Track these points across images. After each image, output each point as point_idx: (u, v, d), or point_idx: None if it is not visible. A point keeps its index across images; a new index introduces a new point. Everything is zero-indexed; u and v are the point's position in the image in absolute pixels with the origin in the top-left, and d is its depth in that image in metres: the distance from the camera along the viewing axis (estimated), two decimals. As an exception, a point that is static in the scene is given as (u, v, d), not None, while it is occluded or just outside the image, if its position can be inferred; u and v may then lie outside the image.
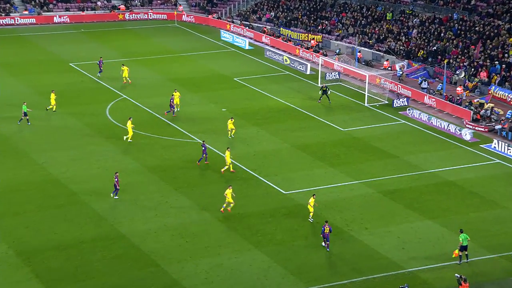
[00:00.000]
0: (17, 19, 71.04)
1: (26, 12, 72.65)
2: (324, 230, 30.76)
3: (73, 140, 42.46)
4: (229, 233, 32.18)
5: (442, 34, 58.87)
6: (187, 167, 38.39)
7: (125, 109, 48.18)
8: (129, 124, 41.45)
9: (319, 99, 49.99)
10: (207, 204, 34.67)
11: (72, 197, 35.01)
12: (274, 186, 36.90)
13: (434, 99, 50.15)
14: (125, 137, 41.63)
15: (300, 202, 35.13)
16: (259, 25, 71.31)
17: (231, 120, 42.86)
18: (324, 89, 49.69)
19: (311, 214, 33.38)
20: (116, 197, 34.89)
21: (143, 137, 42.91)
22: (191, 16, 75.07)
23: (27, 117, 43.99)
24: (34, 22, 71.73)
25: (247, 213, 34.03)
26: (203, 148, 38.42)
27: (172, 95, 45.68)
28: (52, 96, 46.04)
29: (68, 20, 72.82)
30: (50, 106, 45.87)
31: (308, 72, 57.71)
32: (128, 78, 51.31)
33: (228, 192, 33.50)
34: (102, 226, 32.45)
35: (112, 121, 45.71)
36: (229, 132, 42.44)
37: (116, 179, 34.75)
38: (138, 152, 40.87)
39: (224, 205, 33.84)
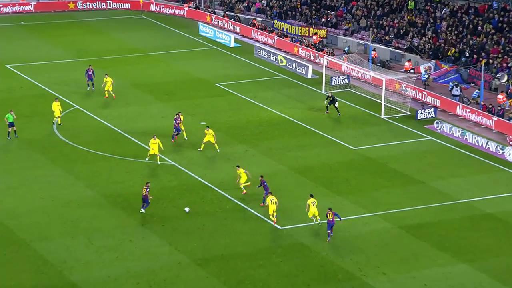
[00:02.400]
0: None
1: None
2: (327, 216, 34.44)
3: (9, 162, 42.48)
4: (210, 281, 32.23)
5: (479, 28, 59.71)
6: (156, 196, 38.54)
7: (77, 122, 48.37)
8: (153, 142, 41.95)
9: (327, 110, 50.41)
10: (182, 243, 34.78)
11: (8, 235, 34.99)
12: (267, 220, 37.09)
13: (468, 110, 50.76)
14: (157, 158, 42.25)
15: (299, 240, 35.30)
16: (247, 16, 71.97)
17: (208, 131, 43.19)
18: (331, 98, 50.16)
19: (317, 216, 35.75)
20: (143, 210, 36.75)
21: (100, 158, 43.06)
22: (162, 5, 75.69)
23: (14, 128, 44.89)
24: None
25: (233, 254, 34.12)
26: (264, 184, 37.83)
27: (177, 116, 44.91)
28: (56, 105, 46.41)
29: (4, 10, 73.14)
30: (55, 118, 46.36)
31: (309, 76, 58.23)
32: (111, 92, 51.11)
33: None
34: (47, 272, 32.42)
35: (61, 138, 45.84)
36: (202, 145, 43.00)
37: (147, 190, 36.26)
38: (94, 177, 40.98)
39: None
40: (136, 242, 34.80)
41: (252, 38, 66.87)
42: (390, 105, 51.66)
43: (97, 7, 75.66)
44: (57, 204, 37.95)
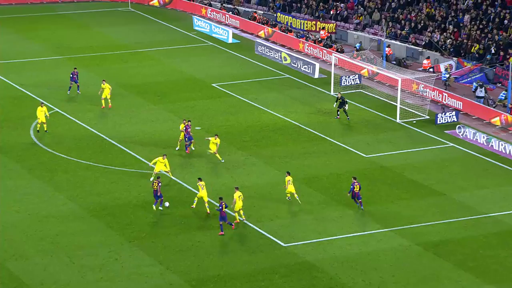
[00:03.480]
0: None
1: None
2: (354, 189, 38.25)
3: (-18, 171, 42.50)
4: (205, 304, 32.23)
5: (505, 22, 59.70)
6: (145, 209, 38.38)
7: (57, 127, 48.32)
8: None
9: (337, 114, 50.33)
10: (174, 262, 34.67)
11: (-19, 253, 34.94)
12: (270, 236, 36.97)
13: (495, 113, 50.71)
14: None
15: (306, 258, 35.21)
16: (247, 9, 72.03)
17: (215, 139, 43.39)
18: (341, 100, 50.12)
19: (295, 194, 38.44)
20: (161, 207, 38.20)
21: (83, 167, 42.94)
22: (151, -3, 75.75)
23: None
24: None
25: (231, 274, 33.97)
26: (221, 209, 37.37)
27: (186, 124, 44.55)
28: (41, 110, 45.99)
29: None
30: (38, 125, 46.12)
31: (316, 76, 58.23)
32: (109, 100, 50.26)
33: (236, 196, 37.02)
34: (23, 294, 32.37)
35: (39, 145, 45.78)
36: (216, 155, 43.15)
37: (158, 185, 37.91)
38: (76, 188, 40.91)
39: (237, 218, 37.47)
40: (122, 261, 34.67)
41: (252, 34, 66.74)
42: (406, 108, 51.62)
43: (80, -2, 75.74)
44: (34, 218, 37.79)
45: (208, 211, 38.26)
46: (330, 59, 58.44)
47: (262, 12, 70.65)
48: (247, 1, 73.32)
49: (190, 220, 38.01)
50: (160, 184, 38.38)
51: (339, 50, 61.38)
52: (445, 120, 50.38)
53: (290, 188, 39.39)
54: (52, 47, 63.13)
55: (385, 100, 53.82)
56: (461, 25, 60.90)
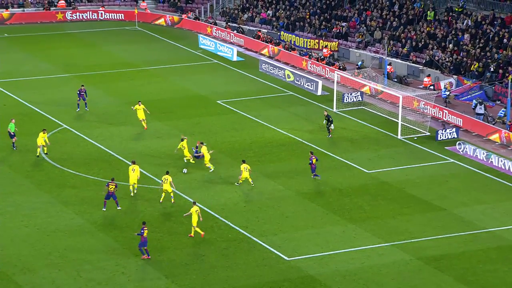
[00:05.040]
0: None
1: None
2: (312, 161, 41.91)
3: (-8, 187, 42.59)
4: (210, 317, 32.15)
5: (504, 40, 59.83)
6: (151, 224, 38.47)
7: (65, 143, 48.43)
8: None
9: (329, 133, 50.36)
10: (179, 276, 34.67)
11: (-10, 266, 35.00)
12: (273, 250, 36.99)
13: (494, 130, 50.73)
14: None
15: (309, 272, 35.19)
16: (251, 28, 72.28)
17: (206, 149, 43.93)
18: (326, 118, 50.21)
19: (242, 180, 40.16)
20: (119, 207, 39.47)
21: (90, 183, 43.01)
22: (159, 16, 76.07)
23: (13, 140, 46.41)
24: None
25: (236, 287, 34.09)
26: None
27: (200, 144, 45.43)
28: (41, 136, 45.67)
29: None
30: (38, 149, 45.75)
31: (319, 93, 58.33)
32: (145, 121, 49.85)
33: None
34: (32, 307, 32.40)
35: (47, 160, 45.89)
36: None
37: (115, 187, 39.47)
38: (83, 204, 40.94)
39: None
40: (129, 275, 34.68)
41: (256, 52, 66.98)
42: (407, 125, 51.66)
43: (88, 17, 76.08)
44: (42, 233, 37.85)
45: (173, 201, 39.67)
46: (332, 77, 58.57)
47: (266, 30, 70.91)
48: (252, 20, 73.63)
49: (195, 235, 38.02)
50: (116, 186, 39.74)
51: (341, 68, 61.54)
52: (445, 137, 50.41)
53: (245, 174, 41.29)
54: (61, 65, 63.33)
55: (387, 116, 53.88)
56: (461, 43, 61.03)
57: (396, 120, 51.67)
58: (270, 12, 73.23)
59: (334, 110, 54.71)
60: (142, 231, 35.53)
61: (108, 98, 55.19)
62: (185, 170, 42.11)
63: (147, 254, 35.65)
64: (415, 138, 50.58)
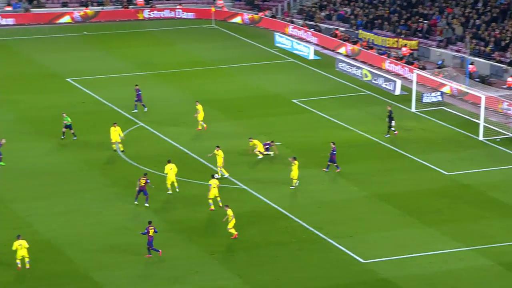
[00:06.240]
0: (-5, 17, 73.81)
1: (9, 8, 75.36)
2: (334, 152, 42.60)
3: (68, 183, 43.24)
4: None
5: None
6: (226, 223, 38.56)
7: (141, 141, 49.02)
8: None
9: (388, 132, 49.50)
10: (252, 276, 34.66)
11: (66, 264, 35.48)
12: (348, 252, 36.70)
13: None
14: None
15: (385, 275, 34.79)
16: (328, 26, 71.92)
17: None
18: (388, 113, 49.36)
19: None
20: (146, 204, 39.97)
21: (164, 181, 43.30)
22: (235, 14, 76.40)
23: (72, 130, 47.60)
24: (20, 21, 74.26)
25: (309, 290, 33.96)
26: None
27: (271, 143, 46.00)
28: (114, 130, 46.35)
29: (66, 20, 75.09)
30: (113, 145, 46.64)
31: (397, 92, 57.66)
32: (203, 122, 49.96)
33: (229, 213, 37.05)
34: (106, 304, 32.88)
35: (123, 158, 46.49)
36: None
37: (146, 181, 39.64)
38: (157, 202, 41.24)
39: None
40: (202, 274, 34.84)
41: (334, 50, 66.62)
42: (490, 126, 50.62)
43: (165, 16, 76.92)
44: (116, 230, 38.31)
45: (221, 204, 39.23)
46: (411, 76, 57.81)
47: (344, 29, 70.45)
48: (329, 18, 73.25)
49: (269, 235, 37.98)
50: (148, 181, 39.97)
51: (421, 67, 60.69)
52: (529, 138, 49.25)
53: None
54: (137, 63, 64.16)
55: (468, 117, 52.92)
56: (547, 42, 59.48)
57: (477, 121, 50.68)
58: (348, 9, 72.76)
59: (413, 110, 54.02)
60: (147, 230, 35.69)
61: (183, 96, 55.61)
62: (216, 176, 41.87)
63: (154, 252, 35.71)
64: (498, 139, 49.51)
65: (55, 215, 39.75)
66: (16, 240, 34.54)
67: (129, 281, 34.20)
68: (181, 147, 48.00)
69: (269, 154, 46.02)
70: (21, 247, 34.39)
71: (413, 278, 34.46)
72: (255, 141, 45.94)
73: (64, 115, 48.28)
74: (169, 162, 41.78)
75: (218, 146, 44.03)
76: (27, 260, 34.39)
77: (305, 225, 38.96)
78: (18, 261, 34.34)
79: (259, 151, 45.83)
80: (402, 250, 36.69)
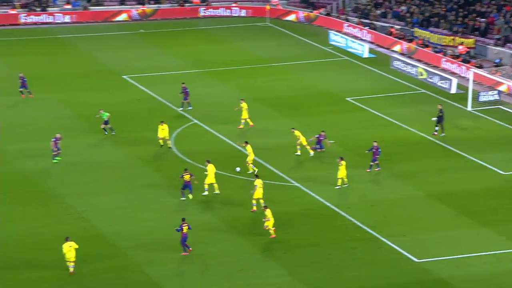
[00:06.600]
0: (56, 15, 74.81)
1: (69, 6, 76.38)
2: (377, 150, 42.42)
3: (121, 179, 43.62)
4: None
5: None
6: (277, 221, 38.50)
7: (195, 138, 49.22)
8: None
9: (435, 130, 48.83)
10: (305, 274, 34.47)
11: (121, 259, 35.84)
12: (402, 251, 36.31)
13: None
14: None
15: (439, 275, 34.35)
16: (384, 24, 71.32)
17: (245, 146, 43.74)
18: (440, 113, 48.67)
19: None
20: (191, 196, 40.30)
21: (220, 178, 43.32)
22: (289, 12, 76.24)
23: (109, 126, 48.49)
24: (78, 19, 75.24)
25: (363, 287, 33.67)
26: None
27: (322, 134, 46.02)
28: (161, 128, 46.73)
29: (123, 18, 75.82)
30: (161, 142, 46.97)
31: (453, 91, 56.92)
32: (248, 120, 49.92)
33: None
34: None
35: (178, 155, 46.71)
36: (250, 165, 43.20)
37: (191, 176, 40.11)
38: (212, 199, 41.30)
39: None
40: (255, 271, 34.83)
41: (389, 48, 66.03)
42: (547, 125, 49.71)
43: (220, 14, 77.17)
44: (169, 226, 38.33)
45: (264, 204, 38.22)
46: (467, 75, 56.98)
47: (399, 27, 69.77)
48: (384, 16, 72.62)
49: (323, 233, 37.79)
50: (192, 176, 40.35)
51: (477, 65, 59.78)
52: None
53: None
54: (192, 61, 64.47)
55: (525, 116, 52.04)
56: None
57: (535, 120, 49.79)
58: (404, 7, 72.05)
59: (469, 109, 53.26)
60: (181, 227, 35.65)
61: (237, 94, 55.60)
62: (238, 169, 42.10)
63: (189, 248, 35.70)
64: (555, 139, 48.55)
65: (110, 210, 40.14)
66: (65, 242, 34.12)
67: (181, 277, 34.37)
68: (234, 145, 47.92)
69: (322, 150, 45.61)
70: (70, 249, 33.93)
71: (468, 278, 33.98)
72: (297, 132, 45.69)
73: (101, 111, 48.78)
74: (208, 162, 41.71)
75: (246, 142, 43.96)
76: (72, 264, 33.94)
77: (358, 223, 38.67)
78: (68, 264, 34.02)
79: (308, 146, 45.50)
80: (456, 250, 36.20)
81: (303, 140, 45.81)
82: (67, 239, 34.28)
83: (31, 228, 38.34)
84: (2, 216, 39.03)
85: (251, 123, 50.21)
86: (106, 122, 48.73)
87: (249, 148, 43.89)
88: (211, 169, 41.25)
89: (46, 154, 45.49)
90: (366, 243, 37.00)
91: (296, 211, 39.70)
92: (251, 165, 43.75)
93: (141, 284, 33.87)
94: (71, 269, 34.05)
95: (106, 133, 48.68)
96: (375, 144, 43.68)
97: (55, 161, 45.20)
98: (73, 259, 34.00)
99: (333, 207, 40.30)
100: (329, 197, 41.12)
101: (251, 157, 43.80)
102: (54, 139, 45.31)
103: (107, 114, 48.66)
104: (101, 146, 47.97)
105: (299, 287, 33.60)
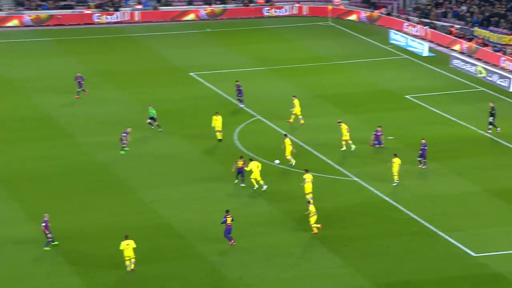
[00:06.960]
0: (128, 15, 76.23)
1: (140, 6, 77.77)
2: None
3: (188, 173, 44.28)
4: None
5: None
6: (337, 215, 38.90)
7: (258, 133, 49.80)
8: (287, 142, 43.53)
9: (496, 127, 48.59)
10: (364, 266, 34.81)
11: (187, 248, 36.57)
12: (459, 245, 36.42)
13: None
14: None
15: (497, 269, 34.35)
16: (444, 23, 70.97)
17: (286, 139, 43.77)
18: (491, 111, 48.36)
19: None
20: (243, 184, 41.40)
21: (279, 172, 43.84)
22: (351, 12, 76.38)
23: (156, 123, 49.19)
24: (148, 19, 76.54)
25: (420, 280, 33.78)
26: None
27: (377, 129, 46.45)
28: (215, 119, 47.59)
29: (191, 17, 76.88)
30: (218, 133, 47.68)
31: (512, 89, 56.56)
32: (300, 116, 50.46)
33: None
34: (223, 287, 33.61)
35: (241, 149, 47.38)
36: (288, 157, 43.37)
37: (244, 163, 40.95)
38: (275, 194, 41.51)
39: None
40: (315, 262, 35.27)
41: (449, 47, 65.71)
42: None
43: (283, 13, 77.71)
44: (235, 218, 38.92)
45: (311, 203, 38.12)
46: (527, 73, 56.55)
47: (459, 26, 69.38)
48: (444, 15, 72.27)
49: (381, 227, 38.09)
50: (245, 163, 40.94)
51: (536, 64, 59.22)
52: None
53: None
54: (256, 59, 65.03)
55: None
56: None
57: None
58: (464, 7, 71.58)
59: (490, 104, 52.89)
60: (225, 219, 35.99)
61: (299, 91, 56.03)
62: (277, 161, 42.96)
63: (232, 240, 36.03)
64: None
65: (177, 201, 40.84)
66: (124, 240, 34.25)
67: (246, 267, 34.85)
68: (297, 140, 48.33)
69: (381, 146, 45.82)
70: (128, 247, 34.01)
71: (524, 273, 33.96)
72: (344, 126, 45.77)
73: (150, 107, 49.54)
74: (251, 160, 42.22)
75: (286, 135, 44.30)
76: (132, 260, 34.18)
77: (417, 217, 38.87)
78: (127, 262, 34.14)
79: (349, 141, 45.69)
80: (513, 245, 36.19)
81: (344, 134, 45.75)
82: (126, 237, 34.35)
83: (107, 214, 39.21)
84: (80, 205, 40.12)
85: (301, 121, 50.53)
86: (153, 119, 49.47)
87: (287, 141, 44.19)
88: (254, 165, 41.52)
89: (116, 146, 46.59)
90: (424, 236, 37.18)
91: (356, 204, 40.05)
92: (289, 157, 44.05)
93: (204, 272, 34.40)
94: (132, 266, 34.12)
95: (153, 127, 49.43)
96: (423, 141, 43.73)
97: (122, 152, 46.36)
98: (132, 255, 34.01)
99: (391, 201, 40.55)
100: (387, 191, 41.37)
101: (288, 150, 44.07)
102: (125, 133, 46.53)
103: (154, 111, 49.41)
104: (168, 140, 48.53)
105: (357, 278, 33.97)
